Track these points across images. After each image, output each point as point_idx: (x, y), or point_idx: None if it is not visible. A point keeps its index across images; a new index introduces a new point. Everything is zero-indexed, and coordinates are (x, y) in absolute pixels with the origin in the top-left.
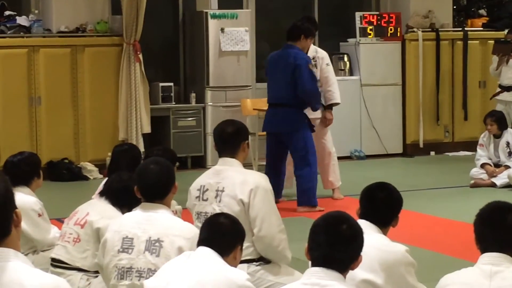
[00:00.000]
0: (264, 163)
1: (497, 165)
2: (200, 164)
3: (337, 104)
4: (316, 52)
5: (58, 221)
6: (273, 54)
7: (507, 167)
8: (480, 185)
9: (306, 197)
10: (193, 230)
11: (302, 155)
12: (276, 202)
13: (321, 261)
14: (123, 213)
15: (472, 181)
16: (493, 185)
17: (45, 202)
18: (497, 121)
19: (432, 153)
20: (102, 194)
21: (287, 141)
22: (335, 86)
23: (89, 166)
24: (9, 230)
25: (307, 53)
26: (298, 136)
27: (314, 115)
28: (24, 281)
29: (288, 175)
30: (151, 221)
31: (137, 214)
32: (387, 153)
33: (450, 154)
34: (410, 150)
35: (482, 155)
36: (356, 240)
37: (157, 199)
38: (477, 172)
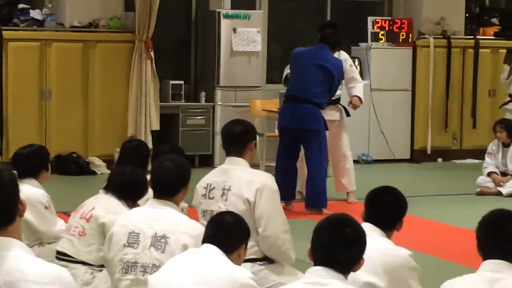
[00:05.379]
0: (272, 164)
1: (504, 173)
2: (207, 163)
3: (357, 96)
4: (339, 55)
5: (65, 214)
6: (306, 50)
7: None
8: (486, 193)
9: (319, 200)
10: (199, 228)
11: (318, 155)
12: (289, 200)
13: (323, 262)
14: (128, 205)
15: (478, 189)
16: (499, 193)
17: (52, 195)
18: (507, 128)
19: (440, 160)
20: (106, 189)
21: (304, 139)
22: (359, 84)
23: (97, 161)
24: (14, 217)
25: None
26: (317, 136)
27: (331, 116)
28: (25, 270)
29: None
30: (157, 217)
31: (145, 210)
32: (394, 159)
33: (458, 161)
34: (418, 156)
35: (489, 163)
36: (358, 243)
37: (167, 196)
38: (483, 180)
